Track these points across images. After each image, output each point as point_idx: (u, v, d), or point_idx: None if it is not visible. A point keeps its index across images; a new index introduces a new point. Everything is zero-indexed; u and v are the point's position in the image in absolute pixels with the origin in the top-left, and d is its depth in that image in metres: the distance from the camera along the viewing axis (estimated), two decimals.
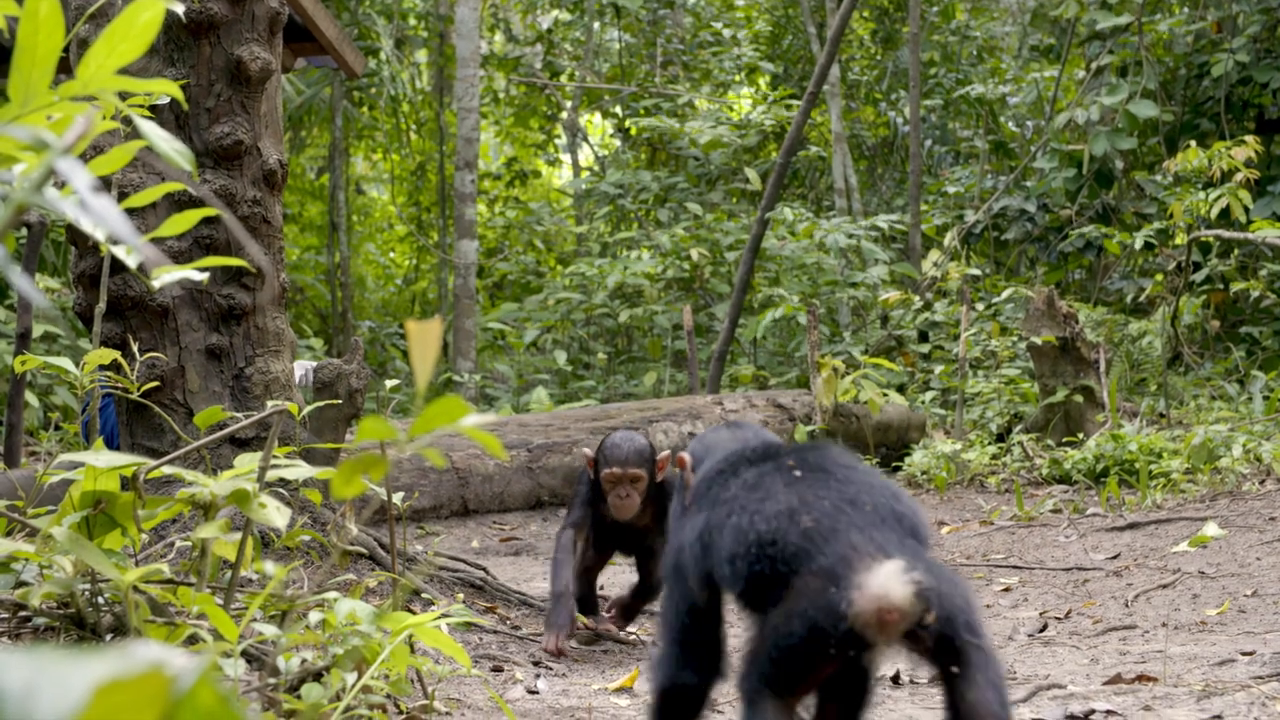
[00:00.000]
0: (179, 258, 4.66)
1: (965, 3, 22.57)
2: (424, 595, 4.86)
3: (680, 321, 16.44)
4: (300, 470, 3.05)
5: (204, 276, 2.53)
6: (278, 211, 4.99)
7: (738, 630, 2.63)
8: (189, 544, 3.13)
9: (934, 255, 17.58)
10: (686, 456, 2.90)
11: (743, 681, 2.40)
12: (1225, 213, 11.53)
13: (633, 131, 21.62)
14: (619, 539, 5.45)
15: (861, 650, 2.29)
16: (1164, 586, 6.11)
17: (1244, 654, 4.44)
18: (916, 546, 2.41)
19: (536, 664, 4.60)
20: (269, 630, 2.86)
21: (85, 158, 3.81)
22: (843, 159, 19.81)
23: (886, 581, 2.24)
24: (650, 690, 2.68)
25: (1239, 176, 11.21)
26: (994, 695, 2.32)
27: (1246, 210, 11.26)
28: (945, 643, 2.31)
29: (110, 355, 3.42)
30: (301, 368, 6.59)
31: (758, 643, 2.38)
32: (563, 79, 23.21)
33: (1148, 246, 15.67)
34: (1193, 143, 12.17)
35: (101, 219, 1.40)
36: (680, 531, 2.69)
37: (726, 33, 21.98)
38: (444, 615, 3.03)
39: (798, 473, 2.55)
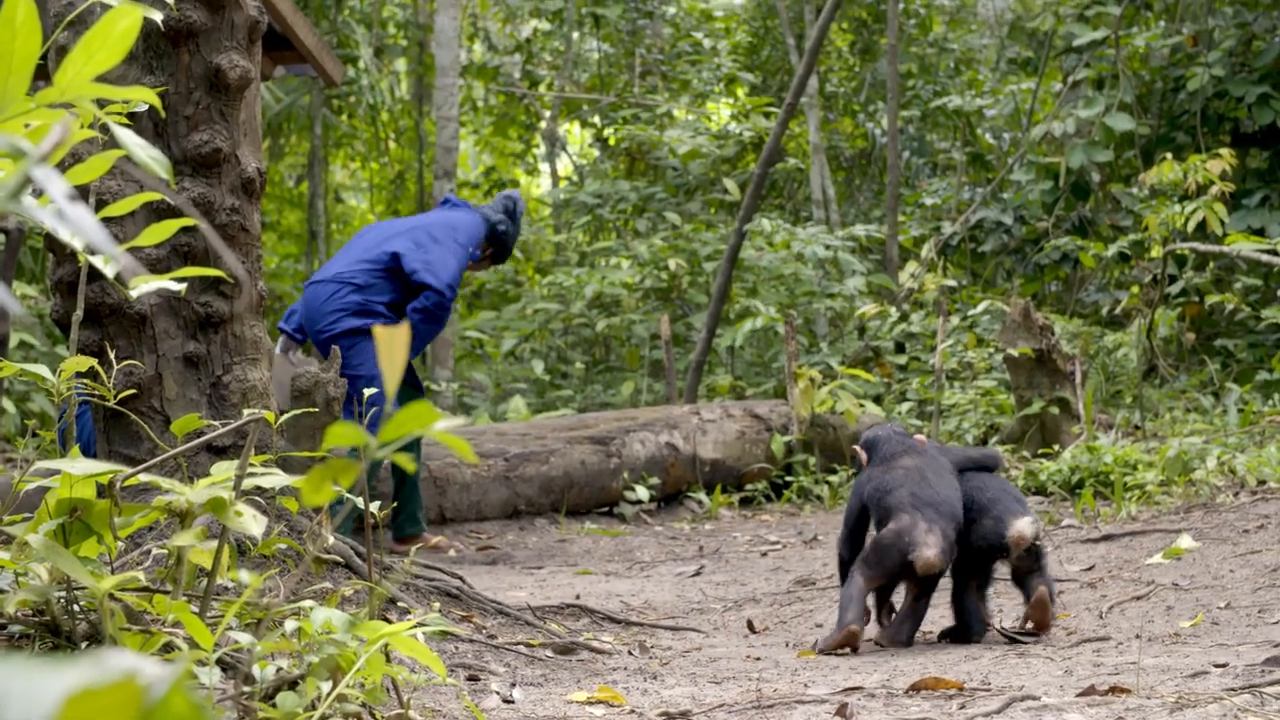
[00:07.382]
0: (157, 265, 4.65)
1: (943, 15, 22.61)
2: (400, 604, 4.86)
3: (658, 331, 16.44)
4: (277, 478, 3.05)
5: (181, 286, 2.52)
6: (256, 220, 4.99)
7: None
8: (165, 552, 3.13)
9: (911, 266, 17.59)
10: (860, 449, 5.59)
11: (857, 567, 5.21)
12: (1201, 226, 11.58)
13: (611, 141, 21.61)
14: None
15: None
16: (1138, 598, 6.13)
17: (1217, 666, 4.46)
18: (934, 514, 5.07)
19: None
20: (244, 638, 2.86)
21: (63, 165, 3.81)
22: (820, 170, 19.83)
23: (917, 531, 5.03)
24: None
25: (1214, 190, 11.25)
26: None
27: (1223, 223, 11.30)
28: None
29: (87, 362, 3.42)
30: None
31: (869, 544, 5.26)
32: (542, 88, 23.20)
33: (1123, 258, 15.73)
34: (1168, 156, 12.21)
35: (79, 228, 1.40)
36: (858, 484, 5.40)
37: (706, 43, 21.97)
38: (420, 624, 3.03)
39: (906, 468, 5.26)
